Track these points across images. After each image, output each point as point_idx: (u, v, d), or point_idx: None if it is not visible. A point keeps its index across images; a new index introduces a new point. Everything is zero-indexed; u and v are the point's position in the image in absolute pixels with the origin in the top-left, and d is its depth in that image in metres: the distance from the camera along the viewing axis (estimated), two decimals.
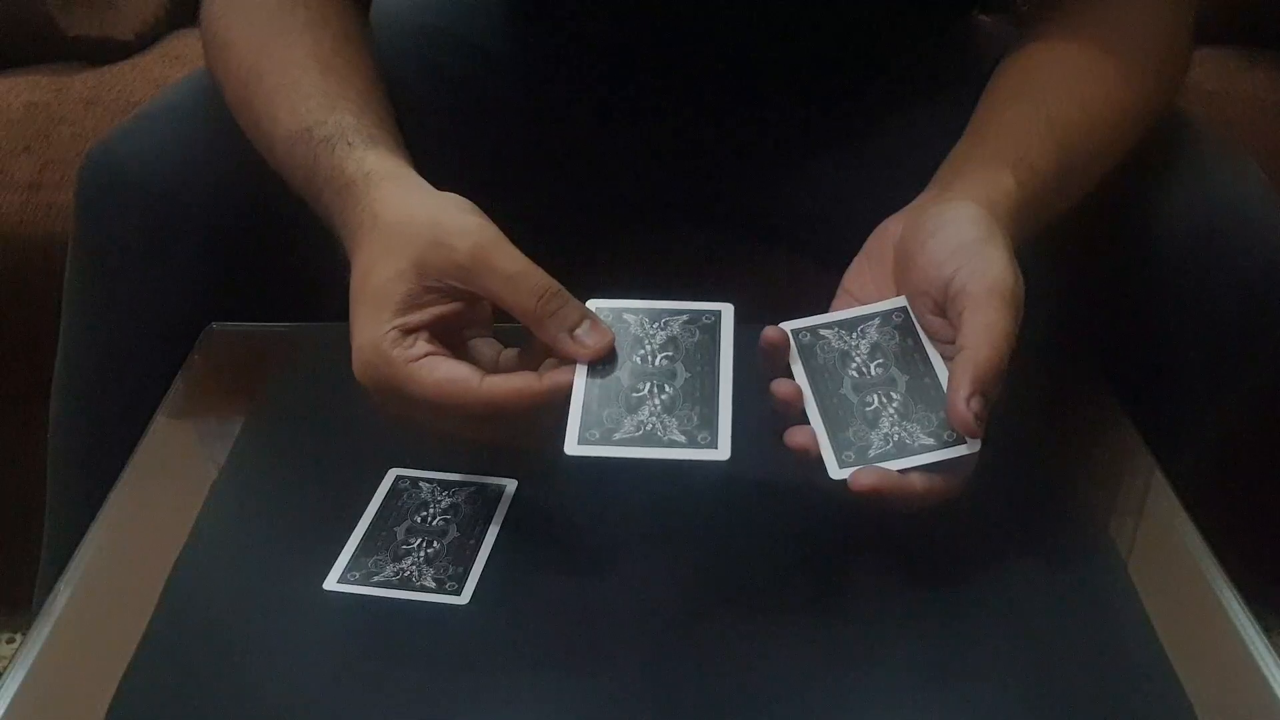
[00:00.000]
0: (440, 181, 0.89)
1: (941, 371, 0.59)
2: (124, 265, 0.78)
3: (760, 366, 0.61)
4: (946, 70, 0.87)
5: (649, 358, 0.57)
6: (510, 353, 0.62)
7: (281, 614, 0.56)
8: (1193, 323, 0.74)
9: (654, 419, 0.55)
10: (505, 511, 0.62)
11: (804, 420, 0.59)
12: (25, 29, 1.28)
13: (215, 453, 0.67)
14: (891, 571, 0.59)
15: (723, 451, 0.54)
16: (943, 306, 0.60)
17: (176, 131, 0.78)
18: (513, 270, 0.59)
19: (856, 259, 0.66)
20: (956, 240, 0.60)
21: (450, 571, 0.58)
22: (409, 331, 0.59)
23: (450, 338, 0.60)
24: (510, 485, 0.63)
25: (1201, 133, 0.79)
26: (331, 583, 0.58)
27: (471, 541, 0.60)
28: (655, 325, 0.59)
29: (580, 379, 0.57)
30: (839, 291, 0.65)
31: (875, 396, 0.59)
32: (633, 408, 0.56)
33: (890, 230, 0.65)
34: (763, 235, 0.95)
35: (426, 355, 0.58)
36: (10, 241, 1.09)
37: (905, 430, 0.58)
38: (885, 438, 0.58)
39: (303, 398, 0.72)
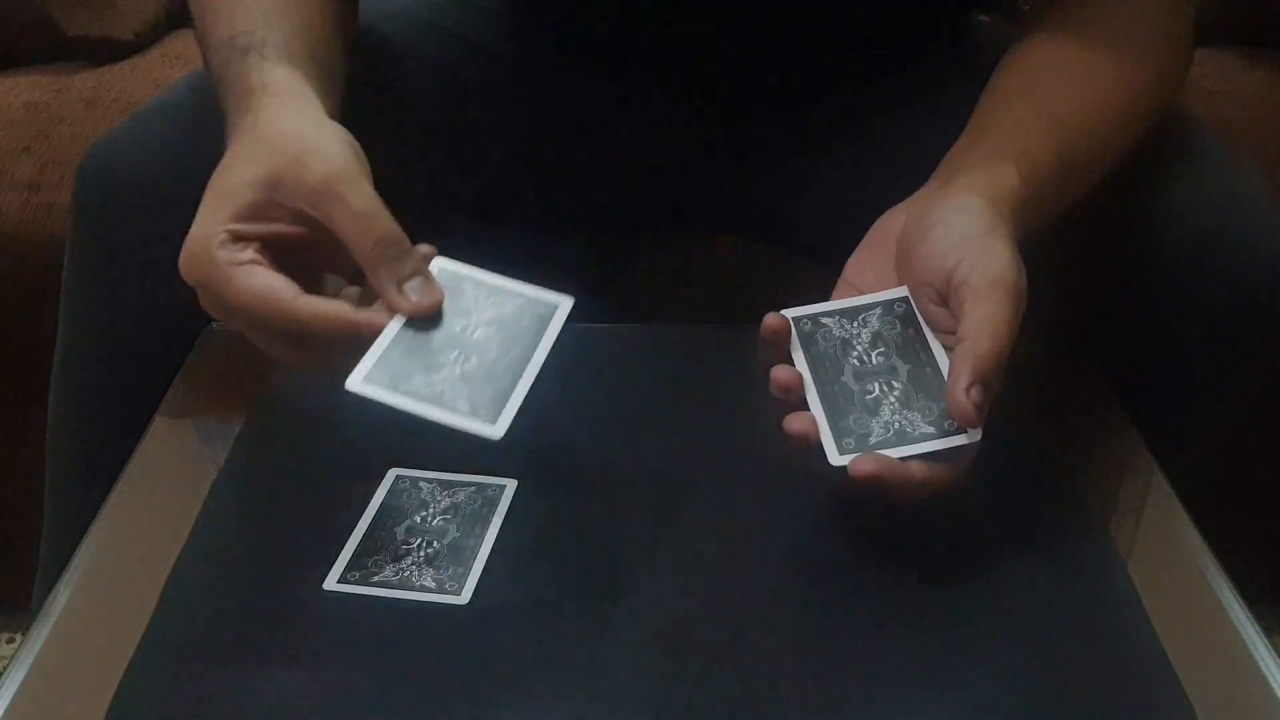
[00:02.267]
0: (439, 181, 0.90)
1: (943, 361, 0.60)
2: (122, 265, 0.77)
3: (760, 354, 0.61)
4: (946, 70, 0.87)
5: (469, 329, 0.56)
6: (351, 290, 0.62)
7: (281, 614, 0.56)
8: (1193, 322, 0.74)
9: (446, 384, 0.54)
10: (505, 511, 0.62)
11: (802, 407, 0.59)
12: (25, 29, 1.28)
13: (215, 453, 0.67)
14: (892, 571, 0.59)
15: (498, 429, 0.53)
16: (945, 297, 0.60)
17: (174, 131, 0.78)
18: (360, 208, 0.58)
19: (858, 250, 0.66)
20: (960, 232, 0.60)
21: (450, 572, 0.58)
22: (241, 238, 0.59)
23: (290, 263, 0.59)
24: (510, 485, 0.63)
25: (1202, 133, 0.79)
26: (331, 583, 0.58)
27: (471, 542, 0.60)
28: (488, 300, 0.58)
29: (395, 326, 0.56)
30: (839, 282, 0.65)
31: (876, 385, 0.59)
32: (431, 368, 0.55)
33: (892, 221, 0.65)
34: (762, 235, 0.95)
35: (249, 263, 0.58)
36: (10, 241, 1.09)
37: (906, 419, 0.58)
38: (886, 425, 0.58)
39: (303, 398, 0.72)
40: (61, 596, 0.59)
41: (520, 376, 0.55)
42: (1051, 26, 0.75)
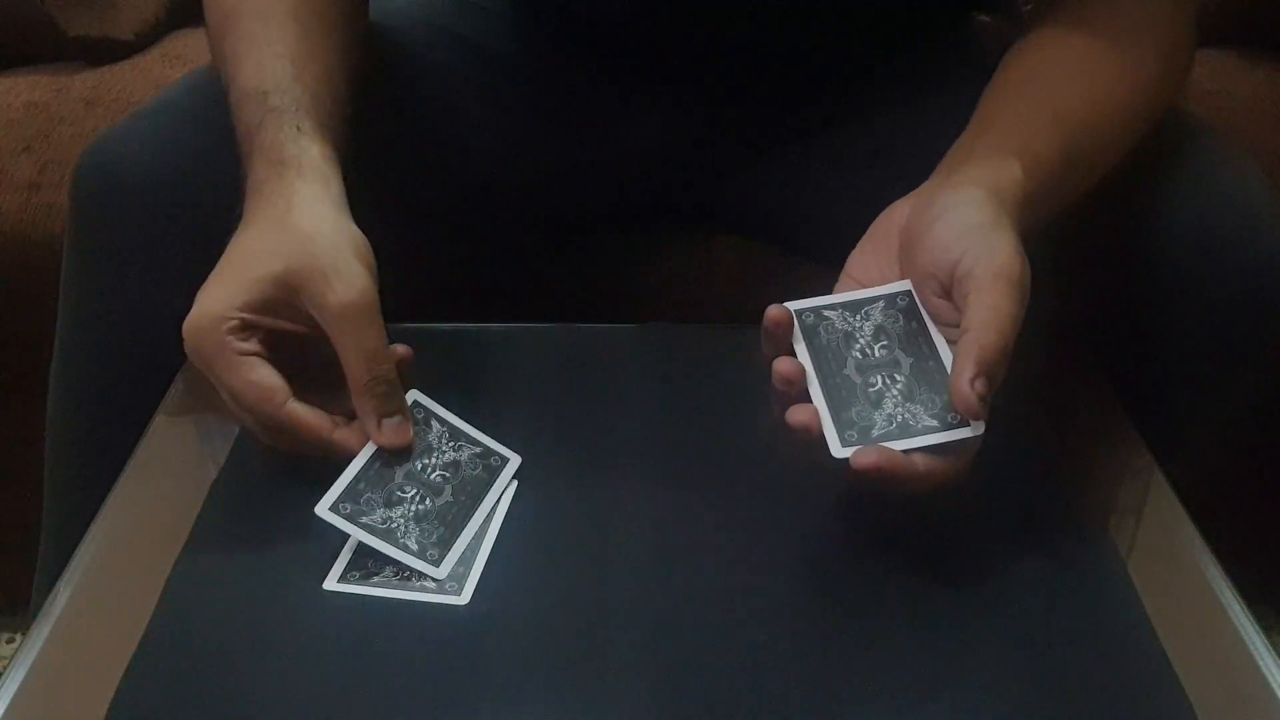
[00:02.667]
0: (439, 180, 0.90)
1: (946, 355, 0.59)
2: (120, 265, 0.77)
3: (762, 346, 0.61)
4: (947, 70, 0.87)
5: (428, 469, 0.62)
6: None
7: (281, 614, 0.56)
8: (1193, 323, 0.74)
9: (400, 521, 0.60)
10: (506, 510, 0.62)
11: (804, 400, 0.59)
12: (25, 29, 1.28)
13: (215, 453, 0.67)
14: (891, 571, 0.59)
15: (441, 572, 0.58)
16: (948, 289, 0.60)
17: (171, 131, 0.78)
18: (368, 346, 0.62)
19: (860, 243, 0.66)
20: (964, 224, 0.60)
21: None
22: (249, 326, 0.63)
23: (284, 352, 0.64)
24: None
25: (1202, 133, 0.79)
26: (331, 583, 0.58)
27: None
28: (450, 445, 0.64)
29: (365, 454, 0.62)
30: (842, 276, 0.65)
31: (879, 378, 0.59)
32: (390, 504, 0.61)
33: (895, 215, 0.65)
34: (762, 235, 0.95)
35: (253, 355, 0.62)
36: (10, 241, 1.09)
37: (909, 411, 0.58)
38: (889, 418, 0.58)
39: None
40: (61, 596, 0.59)
41: (468, 526, 0.61)
42: (1054, 24, 0.75)
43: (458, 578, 0.58)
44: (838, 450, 0.57)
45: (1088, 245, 0.74)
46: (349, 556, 0.59)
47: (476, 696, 0.52)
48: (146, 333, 0.78)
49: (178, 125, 0.79)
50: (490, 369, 0.74)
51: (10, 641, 1.29)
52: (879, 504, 0.60)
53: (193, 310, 0.63)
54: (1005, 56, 0.75)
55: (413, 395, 0.65)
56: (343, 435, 0.63)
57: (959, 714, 0.52)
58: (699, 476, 0.65)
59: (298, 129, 0.68)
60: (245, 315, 0.62)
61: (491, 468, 0.63)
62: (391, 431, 0.63)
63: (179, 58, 1.29)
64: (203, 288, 0.64)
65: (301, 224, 0.64)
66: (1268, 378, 0.78)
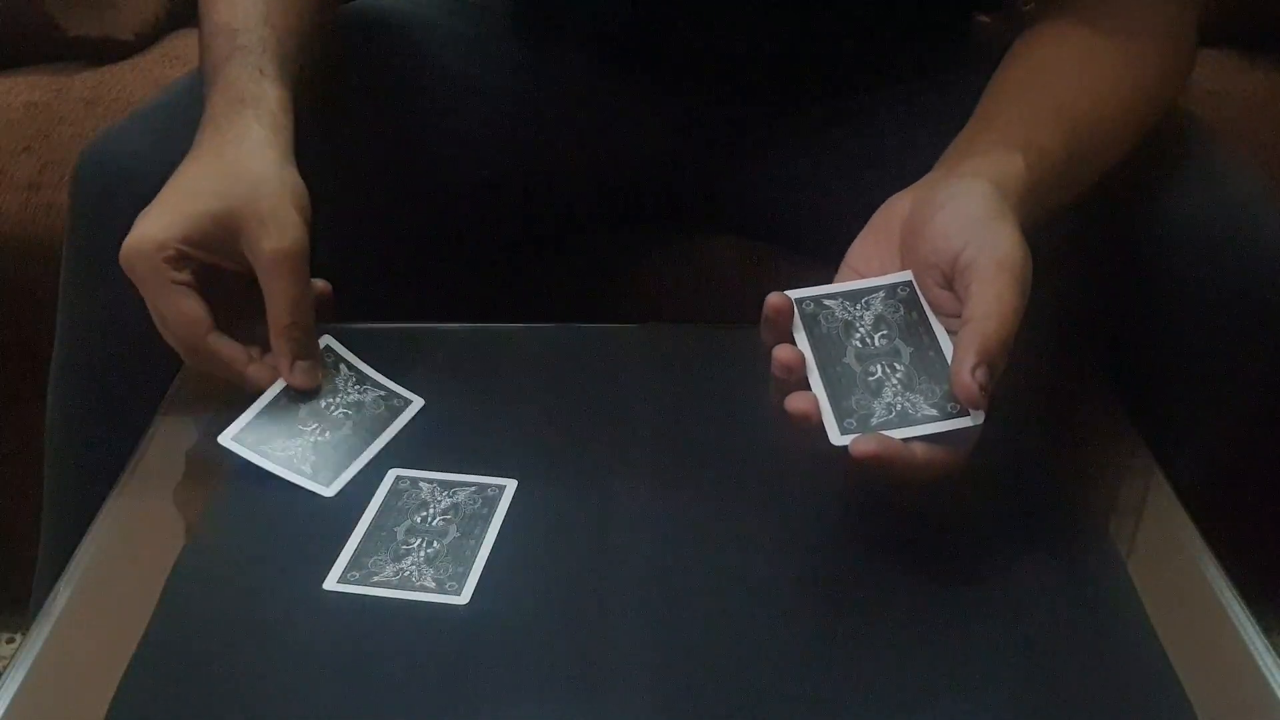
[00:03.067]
0: (436, 179, 0.90)
1: (946, 345, 0.59)
2: (119, 264, 0.77)
3: (762, 334, 0.61)
4: (946, 70, 0.87)
5: (332, 407, 0.67)
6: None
7: (281, 614, 0.56)
8: (1193, 323, 0.74)
9: (298, 450, 0.65)
10: (505, 511, 0.62)
11: (804, 388, 0.59)
12: (25, 29, 1.28)
13: (215, 453, 0.67)
14: (892, 572, 0.59)
15: (331, 491, 0.63)
16: (950, 280, 0.60)
17: (170, 131, 0.78)
18: (293, 293, 0.66)
19: (861, 235, 0.66)
20: (967, 214, 0.60)
21: (450, 571, 0.58)
22: (184, 257, 0.66)
23: (213, 285, 0.67)
24: (510, 485, 0.63)
25: (1203, 133, 0.79)
26: (331, 583, 0.58)
27: (471, 541, 0.60)
28: (356, 387, 0.68)
29: (273, 390, 0.67)
30: (842, 267, 0.65)
31: (879, 366, 0.59)
32: (290, 436, 0.65)
33: (897, 206, 0.65)
34: (762, 235, 0.95)
35: (184, 284, 0.66)
36: (10, 241, 1.09)
37: (908, 400, 0.58)
38: (888, 407, 0.58)
39: None
40: (61, 596, 0.58)
41: (360, 453, 0.65)
42: (1056, 21, 0.75)
43: (457, 578, 0.58)
44: (836, 438, 0.57)
45: (1088, 245, 0.74)
46: (349, 557, 0.59)
47: (476, 696, 0.52)
48: (146, 332, 0.78)
49: (178, 125, 0.78)
50: (490, 369, 0.74)
51: (10, 641, 1.29)
52: (879, 504, 0.60)
53: (133, 232, 0.66)
54: (1008, 53, 0.75)
55: (325, 340, 0.69)
56: (256, 370, 0.67)
57: (959, 714, 0.52)
58: (699, 476, 0.65)
59: (260, 71, 0.71)
60: (182, 247, 0.65)
61: (394, 408, 0.67)
62: (301, 374, 0.67)
63: (179, 58, 1.29)
64: (144, 212, 0.67)
65: (249, 166, 0.68)
66: (1268, 377, 0.78)
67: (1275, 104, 1.21)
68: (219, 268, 0.67)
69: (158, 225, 0.66)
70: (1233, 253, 0.73)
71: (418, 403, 0.68)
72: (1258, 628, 0.57)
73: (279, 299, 0.66)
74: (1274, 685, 0.54)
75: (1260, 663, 0.55)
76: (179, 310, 0.66)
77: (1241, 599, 0.58)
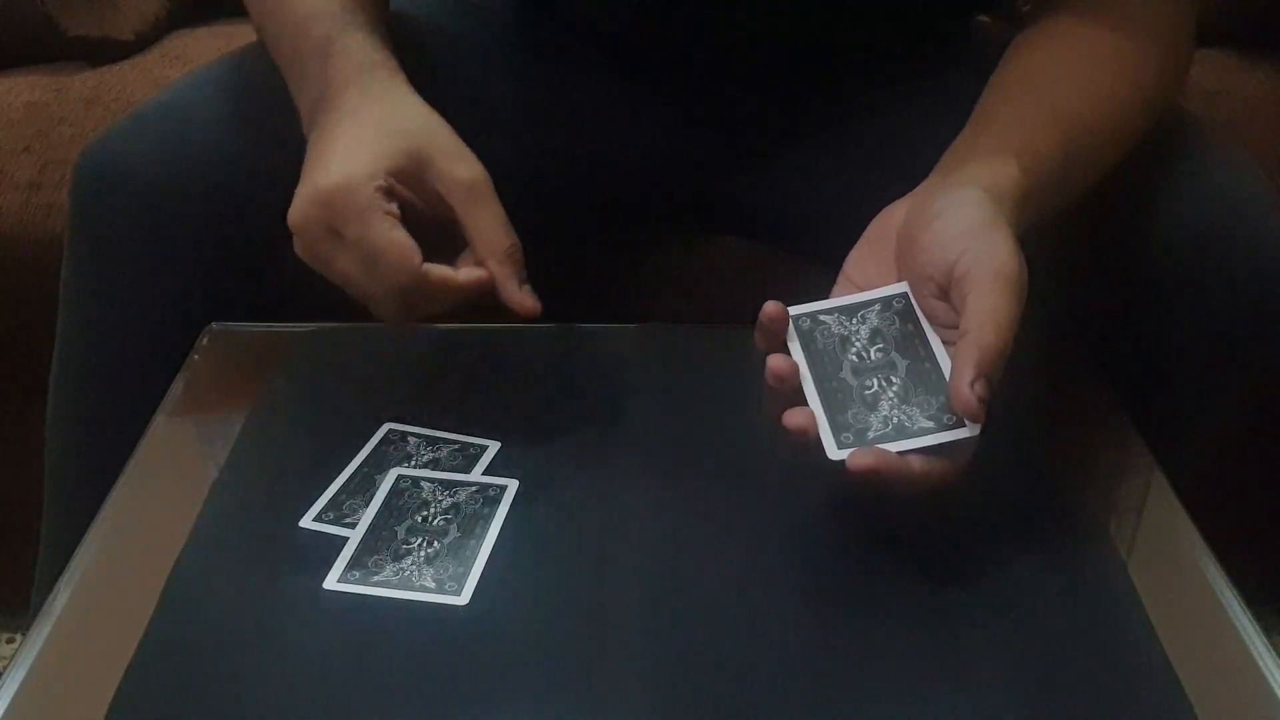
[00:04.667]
0: None
1: (942, 356, 0.60)
2: (120, 265, 0.77)
3: (756, 343, 0.61)
4: (947, 71, 0.87)
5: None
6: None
7: (281, 614, 0.56)
8: (1193, 323, 0.74)
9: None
10: (505, 511, 0.62)
11: (797, 399, 0.59)
12: (25, 29, 1.28)
13: (215, 453, 0.67)
14: (892, 573, 0.59)
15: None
16: (946, 290, 0.60)
17: (171, 130, 0.78)
18: (501, 216, 0.66)
19: (858, 245, 0.66)
20: (961, 224, 0.60)
21: (450, 571, 0.58)
22: (389, 191, 0.64)
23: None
24: (511, 485, 0.63)
25: (1202, 132, 0.79)
26: (331, 583, 0.58)
27: (472, 541, 0.60)
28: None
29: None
30: (840, 277, 0.65)
31: (875, 380, 0.59)
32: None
33: (892, 216, 0.65)
34: (762, 235, 0.95)
35: (394, 217, 0.64)
36: (10, 241, 1.09)
37: (904, 413, 0.58)
38: (884, 420, 0.58)
39: (303, 398, 0.72)
40: (61, 596, 0.59)
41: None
42: (1053, 22, 0.75)
43: (457, 578, 0.58)
44: (834, 452, 0.57)
45: (1088, 245, 0.74)
46: (349, 556, 0.59)
47: (476, 696, 0.52)
48: (147, 332, 0.78)
49: (178, 125, 0.79)
50: (490, 369, 0.74)
51: (10, 641, 1.29)
52: (879, 506, 0.60)
53: (332, 171, 0.64)
54: (1004, 55, 0.75)
55: (386, 426, 0.66)
56: (467, 271, 0.65)
57: (959, 714, 0.52)
58: (699, 476, 0.65)
59: (380, 41, 0.72)
60: (389, 180, 0.64)
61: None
62: (531, 297, 0.66)
63: (179, 58, 1.29)
64: (329, 156, 0.65)
65: (416, 109, 0.68)
66: (1268, 378, 0.78)
67: (1275, 104, 1.21)
68: (410, 214, 0.65)
69: (360, 160, 0.64)
70: (1232, 252, 0.73)
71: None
72: (1258, 628, 0.57)
73: (493, 222, 0.65)
74: (1274, 685, 0.54)
75: (1260, 663, 0.55)
76: (394, 241, 0.63)
77: (1241, 599, 0.58)
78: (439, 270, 0.64)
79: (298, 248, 0.66)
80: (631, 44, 0.89)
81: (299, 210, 0.64)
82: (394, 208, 0.64)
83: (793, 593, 0.58)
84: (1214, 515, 0.65)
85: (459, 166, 0.66)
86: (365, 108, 0.67)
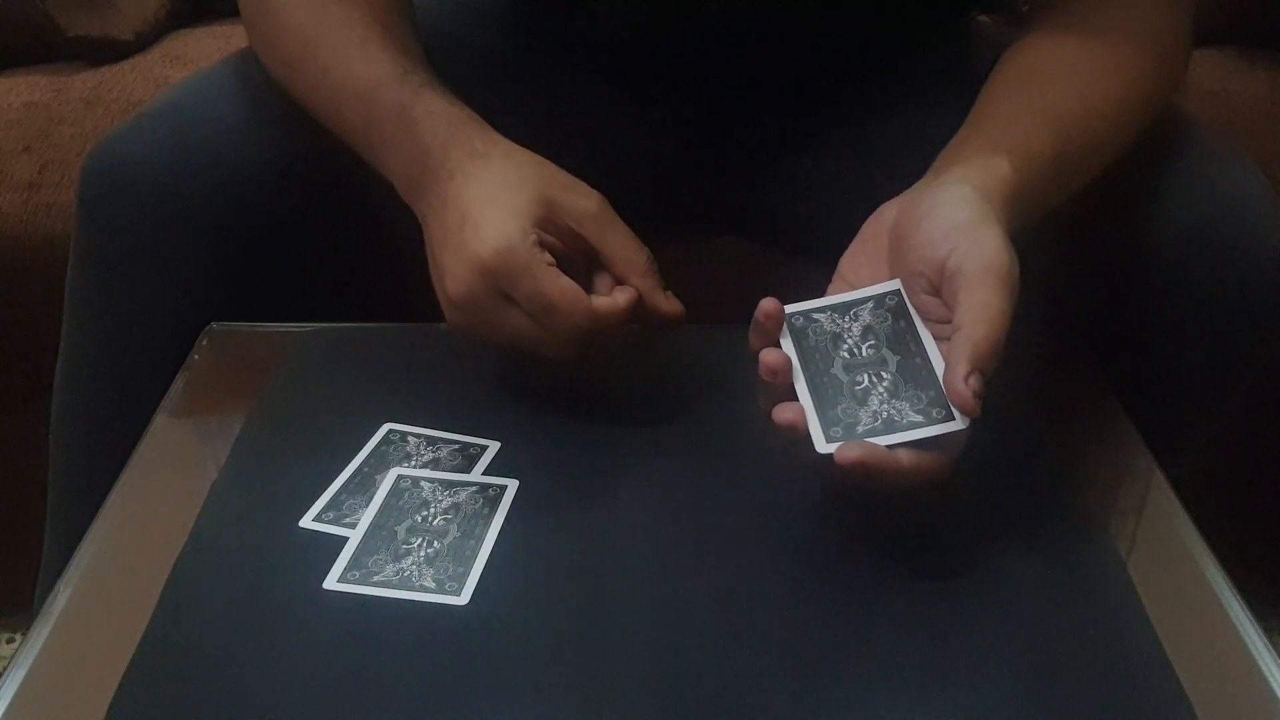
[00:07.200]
0: None
1: (933, 352, 0.60)
2: (125, 265, 0.77)
3: (751, 339, 0.61)
4: (946, 70, 0.87)
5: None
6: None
7: (281, 614, 0.56)
8: (1193, 322, 0.74)
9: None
10: (505, 511, 0.62)
11: (789, 394, 0.59)
12: (25, 29, 1.28)
13: (215, 453, 0.67)
14: (892, 572, 0.59)
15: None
16: (938, 286, 0.60)
17: (178, 131, 0.78)
18: (630, 234, 0.68)
19: (852, 245, 0.66)
20: (952, 220, 0.61)
21: (450, 571, 0.58)
22: (541, 243, 0.65)
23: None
24: (511, 485, 0.63)
25: (1201, 132, 0.79)
26: (331, 582, 0.58)
27: (472, 541, 0.60)
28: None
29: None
30: (835, 277, 0.66)
31: (865, 376, 0.60)
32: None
33: (885, 215, 0.65)
34: (762, 235, 0.95)
35: (552, 265, 0.65)
36: (10, 241, 1.09)
37: (894, 408, 0.58)
38: (874, 415, 0.58)
39: (303, 398, 0.72)
40: (61, 596, 0.59)
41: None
42: (1050, 23, 0.75)
43: (458, 578, 0.58)
44: (822, 446, 0.57)
45: (1087, 244, 0.74)
46: (349, 556, 0.59)
47: (476, 696, 0.52)
48: (151, 334, 0.78)
49: (184, 126, 0.79)
50: (491, 369, 0.74)
51: (10, 641, 1.29)
52: (879, 505, 0.60)
53: (487, 238, 0.64)
54: (1002, 56, 0.75)
55: (386, 427, 0.67)
56: (625, 300, 0.67)
57: (959, 714, 0.52)
58: (698, 476, 0.65)
59: (452, 95, 0.73)
60: (536, 234, 0.65)
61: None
62: (676, 301, 0.70)
63: (179, 58, 1.29)
64: (475, 224, 0.65)
65: (521, 158, 0.69)
66: (1267, 378, 0.78)
67: (1275, 104, 1.21)
68: (557, 254, 0.66)
69: (508, 222, 0.65)
70: (1231, 252, 0.73)
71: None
72: (1258, 628, 0.57)
73: (626, 242, 0.68)
74: (1274, 685, 0.54)
75: (1260, 663, 0.55)
76: (564, 289, 0.64)
77: (1241, 599, 0.58)
78: (605, 302, 0.66)
79: (456, 319, 0.66)
80: (629, 48, 0.89)
81: (464, 283, 0.64)
82: (549, 257, 0.65)
83: (792, 592, 0.58)
84: (1214, 515, 0.65)
85: (581, 199, 0.68)
86: (482, 168, 0.68)
